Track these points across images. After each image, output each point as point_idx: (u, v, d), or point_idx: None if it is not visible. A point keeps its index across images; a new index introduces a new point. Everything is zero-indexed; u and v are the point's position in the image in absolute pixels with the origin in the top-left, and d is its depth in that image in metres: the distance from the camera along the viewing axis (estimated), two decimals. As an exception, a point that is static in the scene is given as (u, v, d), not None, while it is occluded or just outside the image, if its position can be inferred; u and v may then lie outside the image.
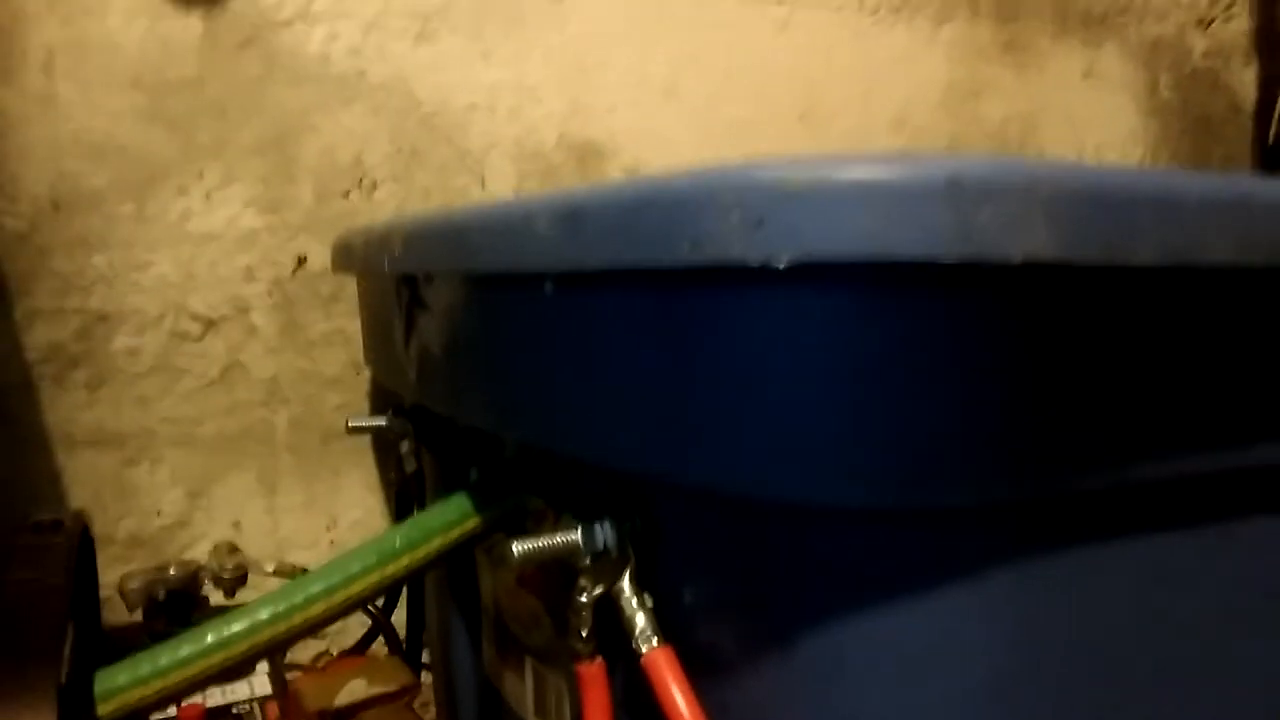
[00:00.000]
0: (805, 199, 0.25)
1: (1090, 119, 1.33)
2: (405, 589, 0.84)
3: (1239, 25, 1.42)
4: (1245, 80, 1.44)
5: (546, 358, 0.37)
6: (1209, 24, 1.41)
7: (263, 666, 0.67)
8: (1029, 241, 0.25)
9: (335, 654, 0.90)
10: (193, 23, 0.81)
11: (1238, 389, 0.32)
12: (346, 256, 0.62)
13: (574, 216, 0.31)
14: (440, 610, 0.70)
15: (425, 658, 0.83)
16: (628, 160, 0.99)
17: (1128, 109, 1.36)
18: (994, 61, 1.25)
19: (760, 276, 0.26)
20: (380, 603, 0.83)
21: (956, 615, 0.31)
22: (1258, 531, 0.38)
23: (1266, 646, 0.38)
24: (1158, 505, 0.34)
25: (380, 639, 0.84)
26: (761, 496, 0.31)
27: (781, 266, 0.26)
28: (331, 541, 0.90)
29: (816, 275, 0.26)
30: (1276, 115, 1.36)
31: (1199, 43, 1.40)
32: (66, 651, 0.42)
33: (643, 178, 0.29)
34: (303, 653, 0.90)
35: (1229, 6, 1.42)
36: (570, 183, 0.96)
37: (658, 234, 0.28)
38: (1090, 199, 0.26)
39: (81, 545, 0.51)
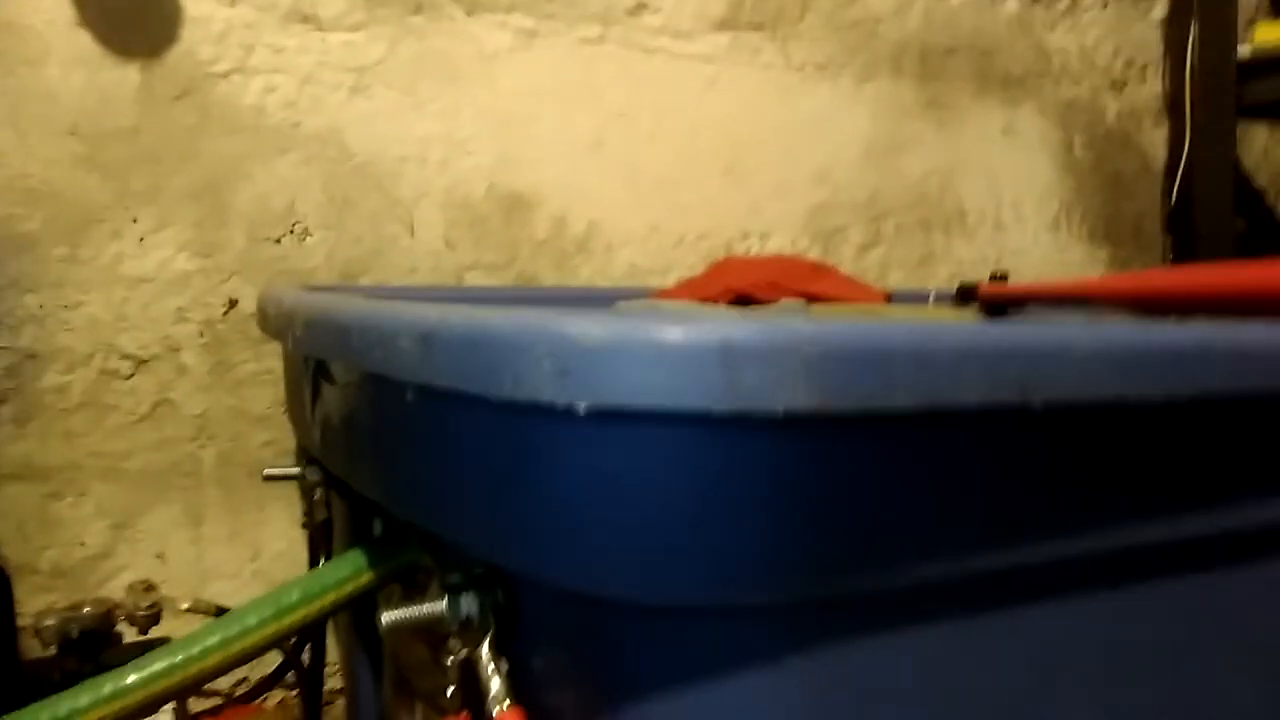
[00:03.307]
0: (602, 355, 0.30)
1: (1008, 174, 1.40)
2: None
3: (1151, 89, 1.50)
4: (1156, 140, 1.52)
5: (414, 452, 0.41)
6: (1122, 87, 1.48)
7: (170, 707, 0.70)
8: (790, 397, 0.30)
9: (254, 681, 0.93)
10: (130, 74, 0.84)
11: (999, 507, 0.37)
12: (263, 320, 0.66)
13: (427, 339, 0.36)
14: (347, 648, 0.74)
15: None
16: (554, 210, 1.04)
17: (1044, 166, 1.43)
18: (916, 118, 1.31)
19: (566, 417, 0.31)
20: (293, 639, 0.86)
21: (752, 696, 0.36)
22: (1043, 619, 0.43)
23: None
24: (935, 601, 0.39)
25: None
26: (578, 592, 0.35)
27: (581, 412, 0.30)
28: (254, 572, 0.93)
29: (611, 419, 0.30)
30: (1179, 177, 1.44)
31: (1112, 104, 1.47)
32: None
33: (484, 315, 0.34)
34: (223, 680, 0.93)
35: (1142, 69, 1.50)
36: (498, 231, 1.01)
37: (488, 368, 0.33)
38: (849, 357, 0.31)
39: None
